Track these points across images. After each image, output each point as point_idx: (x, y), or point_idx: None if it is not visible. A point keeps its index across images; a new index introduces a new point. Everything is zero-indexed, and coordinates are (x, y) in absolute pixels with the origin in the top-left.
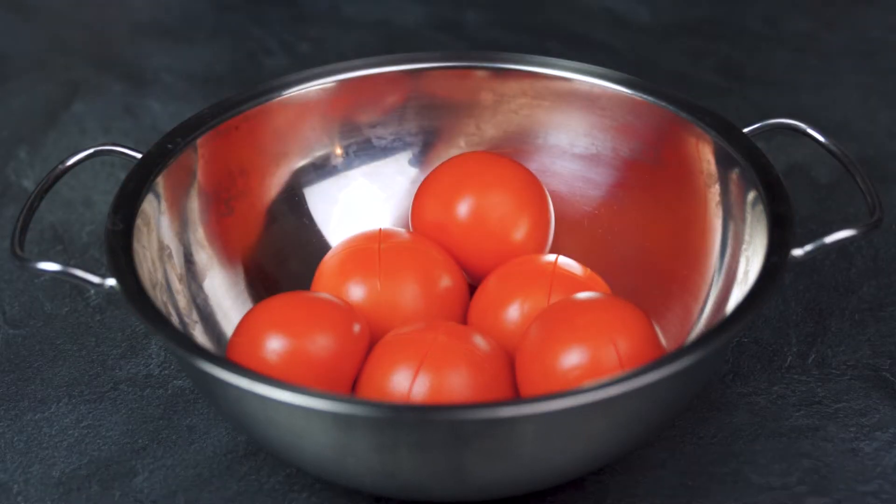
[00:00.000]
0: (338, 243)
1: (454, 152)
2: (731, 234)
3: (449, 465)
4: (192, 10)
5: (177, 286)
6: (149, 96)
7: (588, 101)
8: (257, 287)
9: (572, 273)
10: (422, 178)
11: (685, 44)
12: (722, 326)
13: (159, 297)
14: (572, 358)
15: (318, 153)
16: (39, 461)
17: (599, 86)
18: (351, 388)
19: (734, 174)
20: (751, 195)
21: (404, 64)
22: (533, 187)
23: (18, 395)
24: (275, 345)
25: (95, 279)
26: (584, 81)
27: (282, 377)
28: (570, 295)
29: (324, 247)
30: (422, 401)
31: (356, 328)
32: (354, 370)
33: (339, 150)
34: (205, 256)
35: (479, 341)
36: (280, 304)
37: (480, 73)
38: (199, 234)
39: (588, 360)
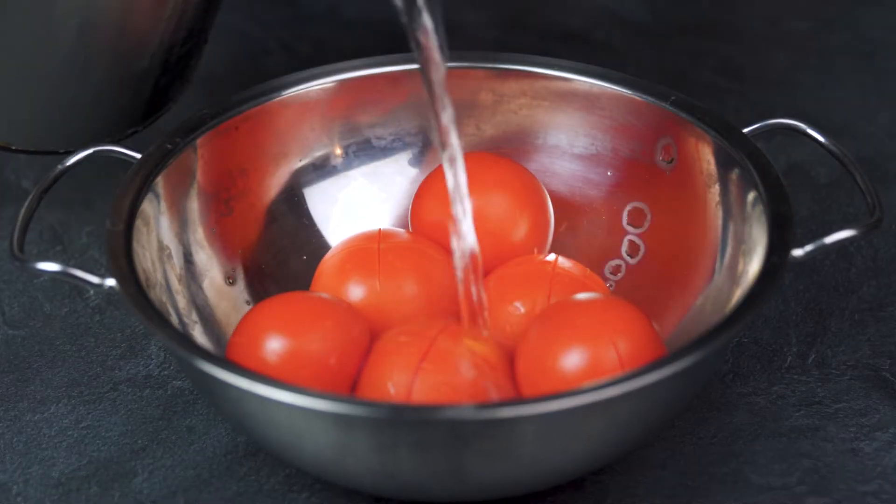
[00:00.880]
0: (337, 243)
1: None
2: (731, 234)
3: (449, 465)
4: None
5: (176, 286)
6: None
7: (588, 101)
8: (257, 287)
9: (572, 273)
10: (422, 178)
11: (685, 44)
12: (722, 326)
13: (159, 298)
14: (572, 358)
15: (318, 153)
16: (39, 462)
17: (599, 86)
18: (351, 388)
19: (734, 174)
20: (751, 195)
21: (404, 64)
22: (533, 187)
23: (18, 395)
24: (274, 345)
25: (95, 279)
26: (584, 81)
27: (281, 377)
28: (570, 295)
29: (324, 247)
30: (422, 401)
31: (356, 328)
32: (354, 370)
33: (338, 151)
34: (204, 256)
35: (479, 341)
36: (280, 303)
37: (480, 73)
38: (198, 235)
39: (588, 361)
